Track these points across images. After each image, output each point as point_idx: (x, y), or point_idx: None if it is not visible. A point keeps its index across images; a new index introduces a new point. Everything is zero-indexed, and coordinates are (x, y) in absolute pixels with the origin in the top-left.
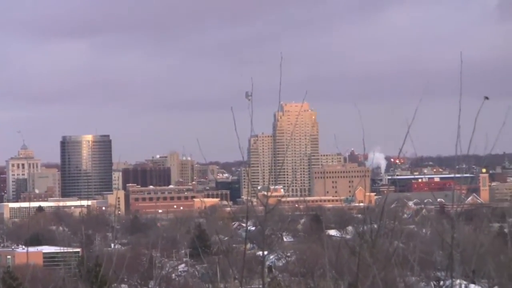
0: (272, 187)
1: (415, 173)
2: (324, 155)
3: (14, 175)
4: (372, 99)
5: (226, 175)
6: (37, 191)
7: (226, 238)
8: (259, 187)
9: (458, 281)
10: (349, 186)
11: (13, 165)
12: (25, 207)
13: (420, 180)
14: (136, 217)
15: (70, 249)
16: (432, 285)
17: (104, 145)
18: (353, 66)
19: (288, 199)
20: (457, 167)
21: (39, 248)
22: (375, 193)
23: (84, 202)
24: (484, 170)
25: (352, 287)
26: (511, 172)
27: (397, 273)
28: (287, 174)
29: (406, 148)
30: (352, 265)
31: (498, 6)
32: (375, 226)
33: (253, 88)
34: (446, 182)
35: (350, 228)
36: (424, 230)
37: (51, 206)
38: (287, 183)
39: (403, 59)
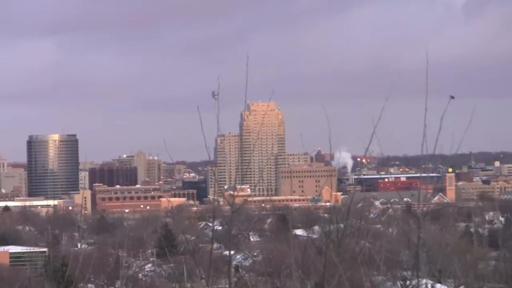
0: (238, 187)
1: (382, 173)
2: (290, 155)
3: None
4: (340, 98)
5: (193, 174)
6: (3, 190)
7: (193, 237)
8: (225, 187)
9: (424, 280)
10: (316, 186)
11: None
12: None
13: (386, 179)
14: (103, 217)
15: (36, 249)
16: (399, 284)
17: (70, 145)
18: (321, 66)
19: (255, 198)
20: (423, 166)
21: (6, 248)
22: (341, 193)
23: (51, 202)
24: (450, 170)
25: (319, 286)
26: (477, 172)
27: (363, 272)
28: (254, 174)
29: (372, 147)
30: (318, 264)
31: (463, 7)
32: (342, 225)
33: (219, 87)
34: (412, 181)
35: (316, 227)
36: (390, 230)
37: (17, 206)
38: (254, 183)
39: (370, 58)
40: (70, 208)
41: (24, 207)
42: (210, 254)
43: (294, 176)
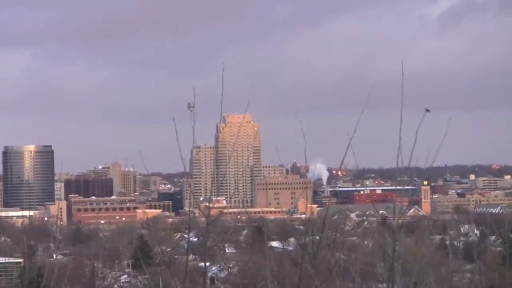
0: (214, 199)
1: (357, 185)
2: (266, 167)
3: None
4: (315, 110)
5: (169, 186)
6: None
7: (168, 249)
8: (201, 198)
9: None
10: (291, 198)
11: None
12: None
13: (362, 192)
14: (78, 228)
15: (12, 260)
16: None
17: (46, 156)
18: (296, 78)
19: (231, 210)
20: (398, 179)
21: None
22: (317, 205)
23: (26, 213)
24: (425, 183)
25: None
26: (453, 185)
27: (338, 284)
28: (230, 186)
29: (348, 160)
30: (294, 276)
31: (438, 19)
32: (317, 237)
33: (195, 99)
34: (388, 194)
35: (292, 239)
36: (366, 242)
37: None
38: (230, 195)
39: (345, 70)
40: (46, 219)
41: None
42: (185, 265)
43: (269, 188)
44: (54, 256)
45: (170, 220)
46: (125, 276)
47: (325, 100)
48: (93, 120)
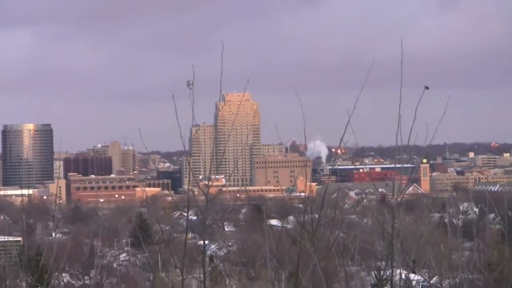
0: (213, 177)
1: (356, 163)
2: (265, 145)
3: None
4: (314, 89)
5: (168, 164)
6: None
7: (167, 227)
8: (200, 177)
9: (398, 270)
10: (291, 176)
11: None
12: None
13: (361, 170)
14: (78, 206)
15: (11, 238)
16: (373, 274)
17: (45, 134)
18: (295, 56)
19: (230, 188)
20: (398, 157)
21: None
22: (316, 183)
23: (25, 191)
24: (424, 160)
25: (293, 276)
26: (452, 163)
27: (337, 262)
28: (229, 164)
29: (347, 138)
30: (293, 254)
31: None
32: (316, 215)
33: (194, 77)
34: (387, 172)
35: (291, 217)
36: (365, 220)
37: None
38: (229, 173)
39: (345, 49)
40: (45, 197)
41: None
42: (185, 244)
43: (269, 167)
44: (53, 234)
45: (169, 198)
46: (124, 254)
47: (324, 79)
48: (93, 99)
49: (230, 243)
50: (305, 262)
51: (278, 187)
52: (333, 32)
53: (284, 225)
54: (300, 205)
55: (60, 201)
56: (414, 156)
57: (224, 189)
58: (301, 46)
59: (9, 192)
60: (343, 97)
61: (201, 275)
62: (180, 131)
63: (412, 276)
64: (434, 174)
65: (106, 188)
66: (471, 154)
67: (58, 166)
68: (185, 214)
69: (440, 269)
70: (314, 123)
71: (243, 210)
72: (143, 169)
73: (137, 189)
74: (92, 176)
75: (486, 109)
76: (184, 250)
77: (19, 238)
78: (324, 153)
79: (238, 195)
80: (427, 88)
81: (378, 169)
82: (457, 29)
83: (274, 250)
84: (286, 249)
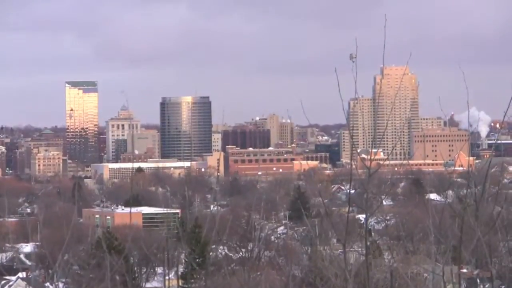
0: (372, 150)
1: None
2: (424, 119)
3: (114, 135)
4: (475, 63)
5: (326, 137)
6: (136, 152)
7: (326, 200)
8: (359, 150)
9: None
10: (449, 150)
11: (113, 126)
12: (124, 168)
13: None
14: (236, 179)
15: (169, 210)
16: None
17: (204, 107)
18: (456, 29)
19: (388, 162)
20: None
21: (139, 209)
22: (475, 158)
23: (184, 164)
24: None
25: (456, 249)
26: None
27: (500, 237)
28: (387, 138)
29: (510, 112)
30: (455, 228)
31: None
32: (477, 190)
33: (357, 49)
34: None
35: (450, 192)
36: None
37: (150, 167)
38: (387, 147)
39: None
40: (203, 170)
41: (157, 168)
42: (347, 217)
43: (427, 141)
44: (211, 207)
45: (327, 171)
46: (282, 227)
47: (485, 52)
48: (249, 71)
49: (388, 217)
50: (468, 236)
51: (437, 161)
52: (496, 4)
53: (444, 199)
54: (459, 180)
55: (218, 174)
56: None
57: (382, 163)
58: (461, 19)
59: (168, 164)
60: (506, 69)
61: (361, 249)
62: (342, 103)
63: None
64: None
65: (264, 161)
66: None
67: (217, 139)
68: (343, 187)
69: None
70: (475, 96)
71: (401, 184)
72: (301, 142)
73: (295, 162)
74: (250, 149)
75: None
76: (347, 223)
77: (177, 211)
78: (483, 127)
79: (396, 169)
80: None
81: None
82: None
83: (436, 224)
84: (448, 223)
